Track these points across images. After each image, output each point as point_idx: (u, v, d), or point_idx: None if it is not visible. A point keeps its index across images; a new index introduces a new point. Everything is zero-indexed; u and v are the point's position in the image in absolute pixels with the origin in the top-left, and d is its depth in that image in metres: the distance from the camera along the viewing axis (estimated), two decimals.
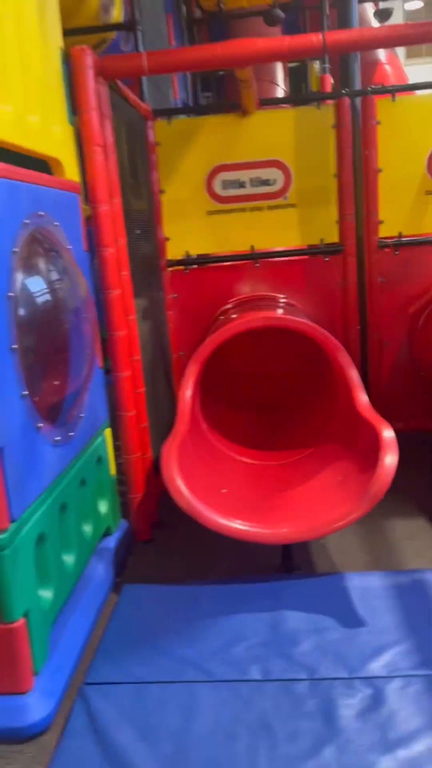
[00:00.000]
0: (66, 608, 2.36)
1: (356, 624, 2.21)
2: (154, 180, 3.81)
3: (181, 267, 3.95)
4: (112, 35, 4.66)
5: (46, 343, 2.23)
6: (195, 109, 5.38)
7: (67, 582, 2.37)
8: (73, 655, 2.20)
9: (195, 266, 3.94)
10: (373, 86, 3.77)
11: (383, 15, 6.68)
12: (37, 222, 2.21)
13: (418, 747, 1.67)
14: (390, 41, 2.85)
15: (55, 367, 2.33)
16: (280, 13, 6.27)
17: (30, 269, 2.12)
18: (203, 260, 3.93)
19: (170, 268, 3.95)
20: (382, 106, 3.70)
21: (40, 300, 2.16)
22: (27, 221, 2.13)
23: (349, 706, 1.84)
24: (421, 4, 7.35)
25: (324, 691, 1.91)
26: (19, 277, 2.02)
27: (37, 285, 2.16)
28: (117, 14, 4.87)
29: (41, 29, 2.43)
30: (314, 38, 2.73)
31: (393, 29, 2.78)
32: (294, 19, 7.76)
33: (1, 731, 1.93)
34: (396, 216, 3.81)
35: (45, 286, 2.20)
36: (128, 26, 4.03)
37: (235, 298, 3.94)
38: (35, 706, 1.95)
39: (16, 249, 2.02)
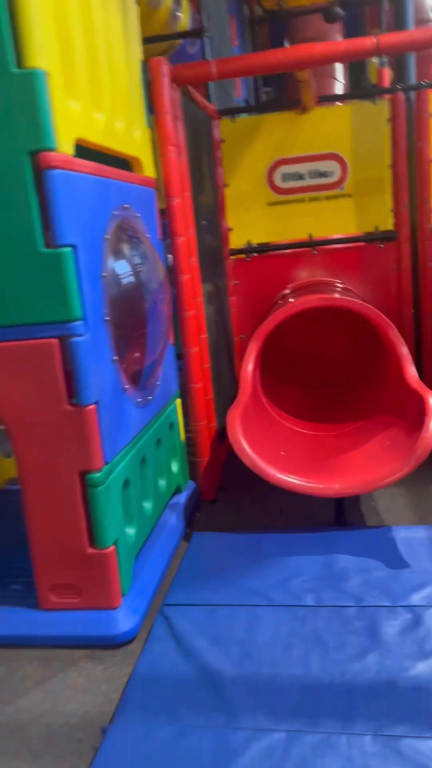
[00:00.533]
0: (145, 548, 2.73)
1: (401, 565, 2.49)
2: (219, 175, 4.13)
3: (243, 255, 4.25)
4: (180, 40, 5.02)
5: (130, 318, 2.59)
6: (257, 108, 5.67)
7: (146, 525, 2.75)
8: (153, 583, 2.57)
9: (256, 254, 4.24)
10: (426, 81, 3.96)
11: None
12: (122, 213, 2.58)
13: None
14: None
15: (136, 340, 2.69)
16: (340, 11, 6.49)
17: (117, 254, 2.49)
18: (264, 248, 4.23)
19: (233, 257, 4.26)
20: None
21: (125, 281, 2.52)
22: (115, 213, 2.50)
23: (391, 626, 2.13)
24: None
25: (369, 615, 2.21)
26: (110, 260, 2.39)
27: (123, 268, 2.52)
28: (185, 20, 5.23)
29: (126, 45, 2.79)
30: (368, 41, 2.99)
31: None
32: (354, 13, 7.92)
33: (95, 639, 2.32)
34: None
35: (129, 269, 2.56)
36: (196, 33, 4.36)
37: (293, 284, 4.22)
38: (123, 620, 2.33)
39: (107, 236, 2.39)
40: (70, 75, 2.19)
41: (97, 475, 2.25)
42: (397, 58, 4.49)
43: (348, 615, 2.23)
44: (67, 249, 2.09)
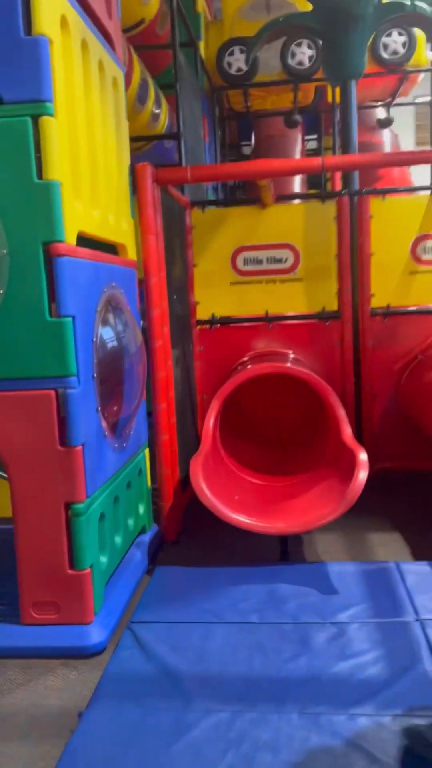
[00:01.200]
0: (114, 577, 3.13)
1: (331, 592, 2.96)
2: (189, 256, 4.75)
3: (208, 325, 4.83)
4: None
5: (112, 376, 3.09)
6: (224, 201, 6.41)
7: (116, 556, 3.16)
8: (121, 605, 2.97)
9: (219, 325, 4.82)
10: (366, 188, 4.72)
11: (384, 123, 7.80)
12: (110, 290, 3.12)
13: (365, 658, 2.41)
14: (372, 165, 3.80)
15: (116, 395, 3.18)
16: (299, 118, 7.47)
17: (105, 323, 3.01)
18: (226, 321, 4.81)
19: (199, 326, 4.83)
20: (374, 204, 4.63)
21: (110, 345, 3.04)
22: (105, 289, 3.04)
23: (320, 637, 2.58)
24: (428, 98, 8.49)
25: (303, 629, 2.66)
26: (99, 328, 2.91)
27: (108, 334, 3.04)
28: (164, 119, 5.99)
29: (118, 153, 3.42)
30: (315, 162, 3.70)
31: (375, 156, 3.72)
32: (313, 117, 8.95)
33: (71, 649, 2.69)
34: (385, 290, 4.68)
35: (113, 336, 3.08)
36: (174, 136, 5.07)
37: (251, 353, 4.80)
38: (95, 633, 2.72)
39: (98, 309, 2.92)
40: (76, 182, 2.76)
41: (80, 506, 2.69)
42: None
43: (285, 629, 2.68)
44: (68, 319, 2.60)
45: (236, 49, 7.10)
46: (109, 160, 3.26)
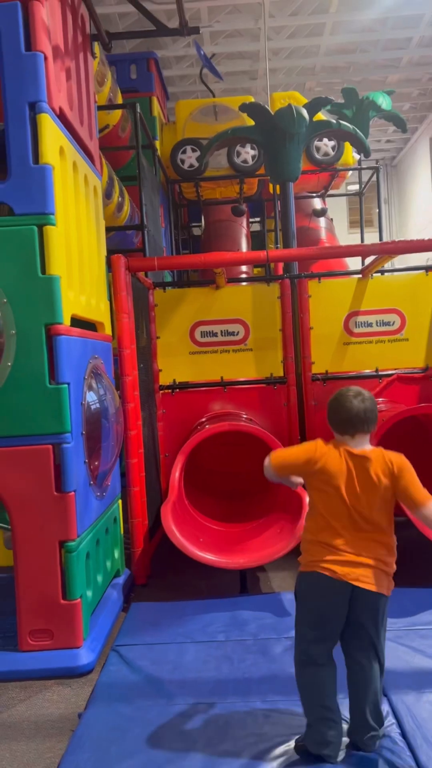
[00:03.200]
0: (96, 611, 3.57)
1: (285, 615, 3.48)
2: (153, 329, 5.39)
3: (169, 390, 5.42)
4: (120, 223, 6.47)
5: (95, 433, 3.63)
6: (183, 283, 7.14)
7: (98, 592, 3.61)
8: (104, 632, 3.41)
9: (179, 390, 5.41)
10: (305, 273, 5.52)
11: (319, 213, 8.85)
12: (94, 361, 3.70)
13: None
14: (310, 258, 4.57)
15: (97, 451, 3.71)
16: (243, 208, 8.40)
17: (90, 388, 3.57)
18: (186, 386, 5.42)
19: (161, 391, 5.42)
20: (312, 285, 5.40)
21: (94, 407, 3.59)
22: (90, 360, 3.62)
23: (277, 648, 3.10)
24: (357, 187, 9.68)
25: (262, 643, 3.17)
26: (87, 393, 3.47)
27: (92, 397, 3.60)
28: (126, 210, 6.75)
29: (98, 246, 4.08)
30: (261, 254, 4.45)
31: (311, 251, 4.51)
32: (258, 204, 9.97)
33: (64, 670, 3.10)
34: (323, 358, 5.40)
35: (97, 399, 3.64)
36: (138, 227, 5.81)
37: (208, 414, 5.41)
38: (85, 655, 3.15)
39: (86, 377, 3.49)
40: (70, 274, 3.39)
41: (72, 543, 3.18)
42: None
43: (247, 644, 3.18)
44: (65, 385, 3.16)
45: (188, 148, 8.05)
46: (92, 253, 3.92)
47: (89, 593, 3.41)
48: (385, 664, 2.39)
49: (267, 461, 2.45)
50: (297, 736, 2.40)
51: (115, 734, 2.49)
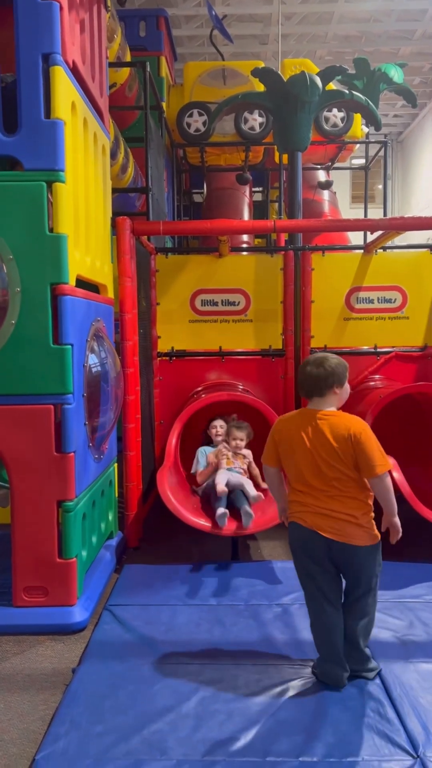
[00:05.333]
0: (89, 571, 3.61)
1: (276, 582, 3.54)
2: (153, 295, 5.35)
3: (167, 358, 5.41)
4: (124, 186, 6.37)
5: (95, 396, 3.62)
6: (185, 250, 7.08)
7: (92, 552, 3.65)
8: (98, 591, 3.46)
9: (177, 358, 5.40)
10: (308, 245, 5.48)
11: (324, 185, 8.75)
12: (96, 323, 3.68)
13: (301, 627, 2.99)
14: (316, 230, 4.53)
15: (97, 414, 3.70)
16: (248, 176, 8.29)
17: (92, 351, 3.56)
18: (184, 354, 5.40)
19: (159, 358, 5.40)
20: (315, 258, 5.38)
21: (95, 369, 3.58)
22: (93, 323, 3.60)
23: (267, 614, 3.16)
24: (363, 161, 9.58)
25: (254, 608, 3.23)
26: (88, 355, 3.46)
27: (94, 360, 3.58)
28: (130, 172, 6.64)
29: (104, 208, 4.02)
30: (268, 224, 4.40)
31: (318, 223, 4.46)
32: (262, 174, 9.85)
33: (57, 626, 3.15)
34: (323, 333, 5.40)
35: (98, 362, 3.63)
36: (143, 190, 5.72)
37: (204, 383, 5.41)
38: (78, 613, 3.19)
39: (88, 339, 3.47)
40: (76, 234, 3.34)
41: (70, 503, 3.20)
42: None
43: (239, 609, 3.24)
44: (68, 346, 3.15)
45: (195, 111, 7.90)
46: (98, 214, 3.86)
47: (84, 553, 3.44)
48: (374, 613, 2.61)
49: (264, 469, 2.80)
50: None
51: (108, 690, 2.55)
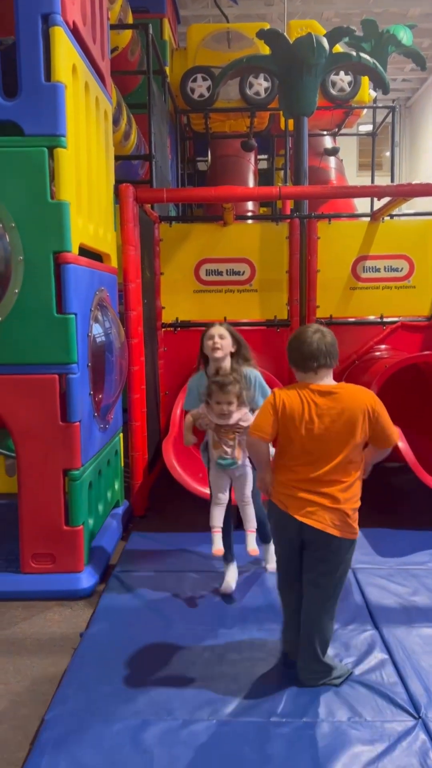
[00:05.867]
0: (96, 538, 3.64)
1: None
2: (157, 265, 5.30)
3: (172, 329, 5.38)
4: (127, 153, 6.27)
5: (100, 366, 3.62)
6: (189, 218, 6.98)
7: (99, 520, 3.68)
8: (104, 558, 3.50)
9: (182, 329, 5.38)
10: (315, 213, 5.40)
11: (331, 152, 8.59)
12: (100, 293, 3.66)
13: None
14: (323, 197, 4.46)
15: (102, 384, 3.71)
16: (254, 143, 8.15)
17: (96, 321, 3.54)
18: (188, 325, 5.38)
19: (163, 329, 5.38)
20: (321, 226, 5.31)
21: (99, 339, 3.57)
22: (97, 292, 3.58)
23: (273, 581, 3.19)
24: (371, 126, 9.41)
25: (259, 575, 3.27)
26: (92, 325, 3.44)
27: (98, 330, 3.57)
28: (133, 139, 6.53)
29: (107, 175, 3.96)
30: (274, 190, 4.33)
31: (325, 189, 4.39)
32: (267, 141, 9.67)
33: (65, 593, 3.20)
34: (328, 303, 5.36)
35: (102, 332, 3.62)
36: (146, 157, 5.63)
37: None
38: (85, 579, 3.24)
39: (92, 309, 3.45)
40: (79, 201, 3.30)
41: (76, 472, 3.22)
42: None
43: (245, 575, 3.29)
44: (72, 316, 3.13)
45: (199, 76, 7.72)
46: (100, 181, 3.81)
47: (91, 521, 3.48)
48: (334, 613, 2.40)
49: (249, 440, 2.46)
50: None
51: (115, 653, 2.60)
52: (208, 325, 3.31)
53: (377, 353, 5.38)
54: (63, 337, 3.12)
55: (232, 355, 3.23)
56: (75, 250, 3.20)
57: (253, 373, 3.26)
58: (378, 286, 5.36)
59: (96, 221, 3.68)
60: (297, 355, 2.38)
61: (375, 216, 5.26)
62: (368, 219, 5.35)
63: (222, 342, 3.18)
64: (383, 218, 5.28)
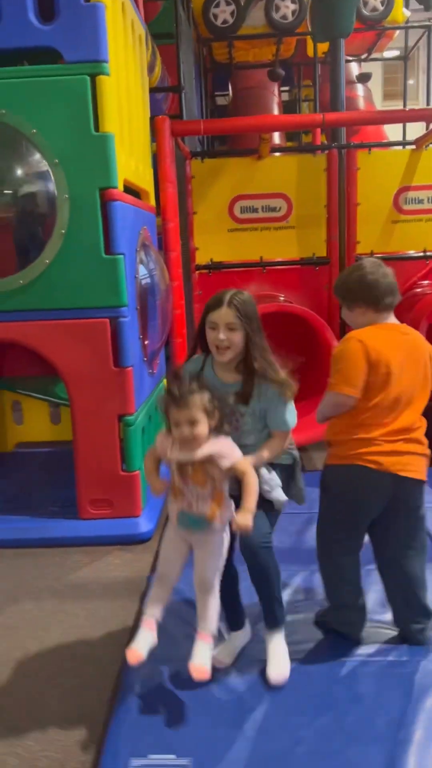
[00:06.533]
0: None
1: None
2: (189, 204, 5.10)
3: (206, 270, 5.22)
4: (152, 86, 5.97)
5: (147, 310, 3.51)
6: (222, 153, 6.68)
7: None
8: (159, 504, 3.48)
9: (216, 270, 5.21)
10: (354, 142, 5.13)
11: (363, 78, 8.14)
12: (143, 232, 3.51)
13: None
14: (370, 122, 4.22)
15: (148, 328, 3.60)
16: (281, 72, 7.74)
17: (141, 262, 3.41)
18: (223, 266, 5.21)
19: (198, 271, 5.22)
20: (361, 156, 5.05)
21: (145, 282, 3.45)
22: (140, 231, 3.43)
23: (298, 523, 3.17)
24: (397, 52, 8.90)
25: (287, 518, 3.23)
26: (139, 267, 3.32)
27: (143, 271, 3.44)
28: (157, 71, 6.21)
29: (143, 107, 3.75)
30: (317, 118, 4.09)
31: (371, 114, 4.15)
32: (290, 71, 9.19)
33: (124, 537, 3.20)
34: (369, 238, 5.15)
35: (147, 273, 3.49)
36: (176, 89, 5.35)
37: None
38: (144, 524, 3.24)
39: (138, 248, 3.32)
40: (121, 135, 3.12)
41: (131, 417, 3.16)
42: None
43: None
44: (121, 256, 3.01)
45: (222, 0, 7.26)
46: (138, 113, 3.61)
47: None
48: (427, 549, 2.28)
49: (336, 400, 2.15)
50: (318, 610, 2.43)
51: (184, 593, 2.58)
52: (213, 300, 2.17)
53: (419, 290, 5.20)
54: (113, 278, 3.01)
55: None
56: (120, 186, 3.05)
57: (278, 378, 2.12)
58: (422, 219, 5.12)
59: (136, 156, 3.51)
60: (373, 293, 2.14)
61: (419, 143, 4.99)
62: (411, 147, 5.08)
63: (231, 337, 2.04)
64: (427, 145, 5.00)
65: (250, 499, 1.91)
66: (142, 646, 1.94)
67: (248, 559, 2.03)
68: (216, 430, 1.94)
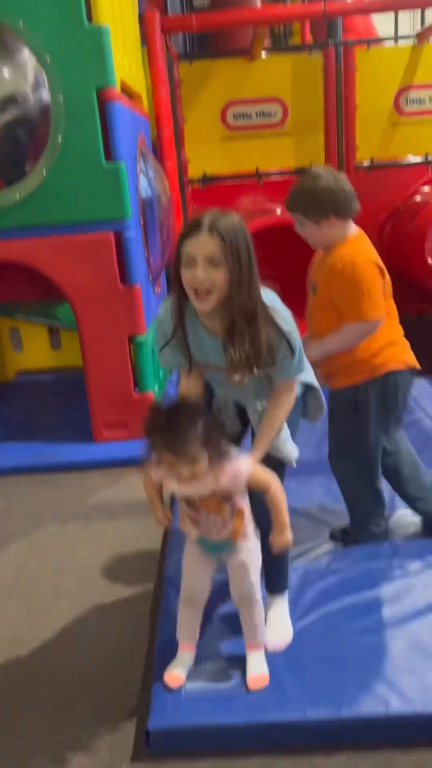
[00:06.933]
0: None
1: None
2: (179, 111, 4.79)
3: (199, 184, 4.98)
4: None
5: (150, 225, 3.33)
6: (211, 53, 6.22)
7: (161, 387, 3.58)
8: None
9: (209, 183, 4.96)
10: (352, 39, 4.81)
11: None
12: (141, 138, 3.28)
13: None
14: (377, 10, 3.91)
15: (152, 244, 3.44)
16: None
17: (141, 172, 3.21)
18: (217, 179, 4.96)
19: (190, 185, 4.98)
20: (359, 55, 4.74)
21: (146, 194, 3.25)
22: (137, 137, 3.21)
23: None
24: None
25: None
26: (140, 177, 3.12)
27: (144, 182, 3.24)
28: None
29: (132, 2, 3.43)
30: (318, 7, 3.78)
31: (379, 1, 3.83)
32: None
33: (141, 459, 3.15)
34: (369, 143, 4.92)
35: (148, 184, 3.29)
36: None
37: (241, 211, 5.03)
38: None
39: (137, 156, 3.11)
40: (115, 31, 2.85)
41: (142, 338, 3.05)
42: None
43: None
44: (122, 163, 2.81)
45: None
46: (128, 8, 3.29)
47: (155, 389, 3.37)
48: None
49: (358, 328, 2.01)
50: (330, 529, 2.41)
51: None
52: (189, 224, 1.52)
53: (418, 197, 5.02)
54: (115, 188, 2.82)
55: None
56: (118, 86, 2.81)
57: (282, 317, 1.61)
58: (423, 120, 4.89)
59: (129, 56, 3.23)
60: (340, 198, 1.94)
61: (420, 37, 4.68)
62: (412, 42, 4.77)
63: (214, 276, 1.50)
64: (430, 38, 4.70)
65: (280, 516, 1.66)
66: (180, 670, 1.77)
67: (260, 525, 1.81)
68: (217, 457, 1.55)
